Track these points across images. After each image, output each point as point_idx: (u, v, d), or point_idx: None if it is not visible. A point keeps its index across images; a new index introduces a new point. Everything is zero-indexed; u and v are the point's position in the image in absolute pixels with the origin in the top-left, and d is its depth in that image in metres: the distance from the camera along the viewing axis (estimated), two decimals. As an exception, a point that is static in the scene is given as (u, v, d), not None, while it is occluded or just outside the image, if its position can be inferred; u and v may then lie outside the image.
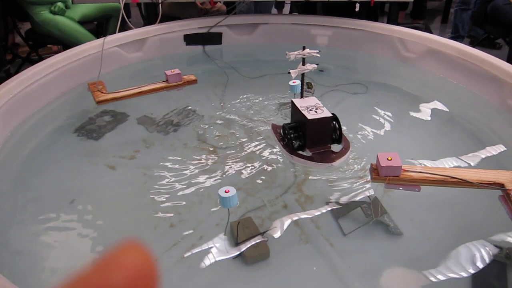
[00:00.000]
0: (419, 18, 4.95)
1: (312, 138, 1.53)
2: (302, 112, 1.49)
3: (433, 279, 1.25)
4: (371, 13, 3.50)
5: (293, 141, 1.55)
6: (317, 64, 1.54)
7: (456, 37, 4.31)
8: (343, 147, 1.59)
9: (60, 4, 3.21)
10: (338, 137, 1.56)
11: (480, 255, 1.32)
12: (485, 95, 2.12)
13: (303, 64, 1.56)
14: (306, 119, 1.47)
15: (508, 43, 3.78)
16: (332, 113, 1.52)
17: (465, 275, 1.27)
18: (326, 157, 1.53)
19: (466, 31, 4.37)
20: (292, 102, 1.59)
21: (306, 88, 1.66)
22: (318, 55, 1.54)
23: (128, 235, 1.46)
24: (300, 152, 1.56)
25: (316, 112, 1.49)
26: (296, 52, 1.53)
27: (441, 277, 1.26)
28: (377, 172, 1.44)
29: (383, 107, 2.19)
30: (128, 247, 0.28)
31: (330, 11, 3.48)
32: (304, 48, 1.53)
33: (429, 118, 2.11)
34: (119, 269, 0.27)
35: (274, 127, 1.74)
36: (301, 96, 1.61)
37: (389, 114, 2.12)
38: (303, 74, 1.58)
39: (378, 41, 2.62)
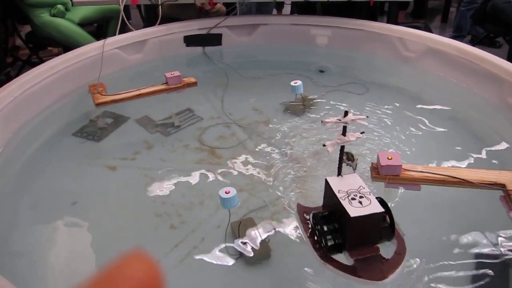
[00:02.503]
0: (419, 17, 4.95)
1: (355, 240, 1.14)
2: (342, 202, 1.11)
3: (433, 279, 1.25)
4: (371, 13, 3.50)
5: (327, 239, 1.15)
6: (362, 133, 1.18)
7: (457, 36, 4.31)
8: (396, 250, 1.17)
9: (60, 6, 3.22)
10: (390, 235, 1.16)
11: (481, 255, 1.32)
12: (485, 93, 2.12)
13: (344, 134, 1.17)
14: (347, 215, 1.08)
15: (508, 41, 3.78)
16: (379, 198, 1.14)
17: (466, 275, 1.27)
18: (375, 269, 1.12)
19: (467, 31, 4.37)
20: (326, 182, 1.20)
21: (345, 159, 1.23)
22: (366, 123, 1.18)
23: (129, 237, 1.46)
24: (336, 254, 1.16)
25: (360, 203, 1.11)
26: (335, 119, 1.16)
27: (441, 277, 1.26)
28: (377, 171, 1.44)
29: (383, 107, 2.19)
30: (134, 258, 0.28)
31: (330, 11, 3.48)
32: (346, 113, 1.15)
33: (429, 117, 2.10)
34: (126, 280, 0.27)
35: (301, 210, 1.30)
36: (339, 173, 1.22)
37: (389, 113, 2.12)
38: (342, 146, 1.21)
39: (378, 40, 2.62)
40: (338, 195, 1.13)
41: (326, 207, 1.26)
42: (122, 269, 0.27)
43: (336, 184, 1.17)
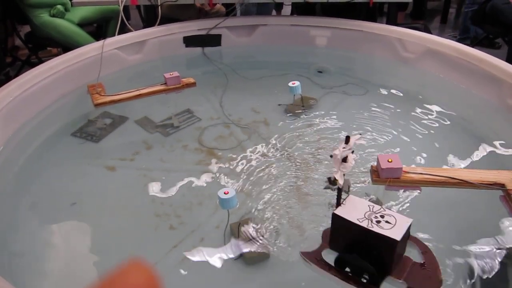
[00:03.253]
0: (419, 18, 4.94)
1: (397, 259, 1.12)
2: (373, 230, 1.06)
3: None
4: (370, 14, 3.50)
5: (371, 272, 1.10)
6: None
7: (465, 38, 4.29)
8: (418, 249, 1.17)
9: (59, 7, 3.22)
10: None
11: (481, 255, 1.32)
12: (484, 94, 2.12)
13: (345, 161, 1.11)
14: (389, 240, 1.04)
15: (507, 42, 3.78)
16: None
17: (466, 275, 1.27)
18: (425, 278, 1.11)
19: (474, 32, 4.34)
20: (336, 217, 1.13)
21: (330, 186, 1.22)
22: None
23: (129, 237, 1.46)
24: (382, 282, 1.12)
25: (388, 222, 1.07)
26: (342, 149, 1.10)
27: (442, 277, 1.26)
28: (377, 174, 1.44)
29: (382, 108, 2.19)
30: (133, 267, 0.28)
31: (329, 12, 3.48)
32: (348, 138, 1.10)
33: (428, 119, 2.11)
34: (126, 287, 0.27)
35: (311, 257, 1.22)
36: (339, 203, 1.16)
37: (389, 114, 2.12)
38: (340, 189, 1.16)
39: (377, 41, 2.62)
40: (363, 224, 1.07)
41: (340, 241, 1.17)
42: (122, 277, 0.28)
43: (348, 214, 1.10)
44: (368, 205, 1.12)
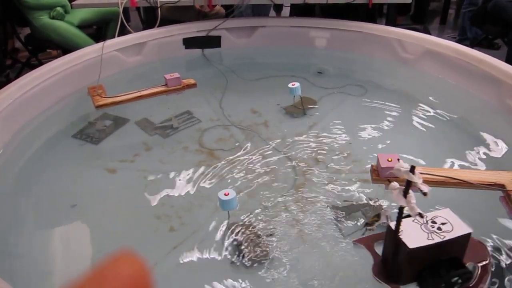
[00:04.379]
0: (420, 22, 4.85)
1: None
2: (450, 237, 1.05)
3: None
4: (369, 15, 3.50)
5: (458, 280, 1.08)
6: (424, 194, 1.00)
7: (463, 39, 4.29)
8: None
9: (59, 9, 3.22)
10: None
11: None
12: (484, 95, 2.12)
13: (405, 196, 1.02)
14: (465, 235, 1.06)
15: (507, 43, 3.78)
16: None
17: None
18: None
19: (473, 33, 4.33)
20: (414, 251, 1.04)
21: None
22: (427, 194, 0.98)
23: (129, 239, 1.46)
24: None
25: (442, 223, 1.08)
26: (398, 188, 1.03)
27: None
28: (377, 173, 1.44)
29: (382, 109, 2.19)
30: (123, 257, 0.29)
31: (328, 13, 3.48)
32: (413, 169, 0.99)
33: (428, 119, 2.11)
34: (114, 279, 0.27)
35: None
36: (398, 230, 1.08)
37: (388, 115, 2.12)
38: (400, 211, 1.06)
39: (376, 42, 2.62)
40: (436, 240, 1.04)
41: (414, 268, 1.10)
42: (111, 267, 0.28)
43: (417, 241, 1.04)
44: (413, 221, 1.08)
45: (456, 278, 1.08)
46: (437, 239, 1.04)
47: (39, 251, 1.43)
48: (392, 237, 1.07)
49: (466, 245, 1.08)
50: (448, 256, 1.08)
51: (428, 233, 1.06)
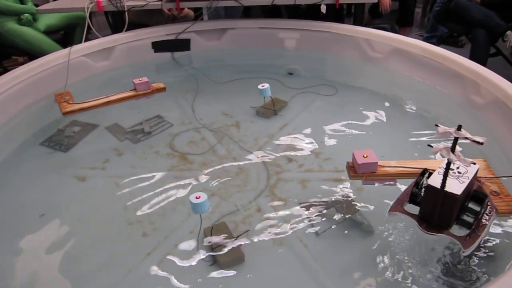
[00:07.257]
0: (406, 25, 4.77)
1: None
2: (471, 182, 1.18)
3: (407, 275, 1.28)
4: (337, 15, 3.54)
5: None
6: (481, 144, 1.08)
7: (432, 36, 4.36)
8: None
9: (28, 15, 3.15)
10: None
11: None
12: (449, 91, 2.18)
13: (453, 151, 1.11)
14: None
15: (470, 39, 3.88)
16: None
17: (435, 269, 1.30)
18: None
19: (442, 30, 4.39)
20: (454, 196, 1.14)
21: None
22: (483, 143, 1.07)
23: (101, 247, 1.44)
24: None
25: (466, 169, 1.21)
26: (444, 147, 1.11)
27: (414, 272, 1.29)
28: (354, 170, 1.46)
29: (352, 107, 2.22)
30: None
31: (295, 14, 3.51)
32: (459, 127, 1.10)
33: (397, 115, 2.15)
34: None
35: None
36: (443, 186, 1.15)
37: (359, 113, 2.15)
38: (448, 166, 1.13)
39: (345, 42, 2.66)
40: (465, 182, 1.16)
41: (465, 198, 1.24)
42: None
43: (456, 187, 1.15)
44: (436, 176, 1.18)
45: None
46: (466, 181, 1.17)
47: (7, 263, 1.40)
48: (435, 193, 1.16)
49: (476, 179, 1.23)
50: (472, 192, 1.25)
51: (455, 179, 1.18)
